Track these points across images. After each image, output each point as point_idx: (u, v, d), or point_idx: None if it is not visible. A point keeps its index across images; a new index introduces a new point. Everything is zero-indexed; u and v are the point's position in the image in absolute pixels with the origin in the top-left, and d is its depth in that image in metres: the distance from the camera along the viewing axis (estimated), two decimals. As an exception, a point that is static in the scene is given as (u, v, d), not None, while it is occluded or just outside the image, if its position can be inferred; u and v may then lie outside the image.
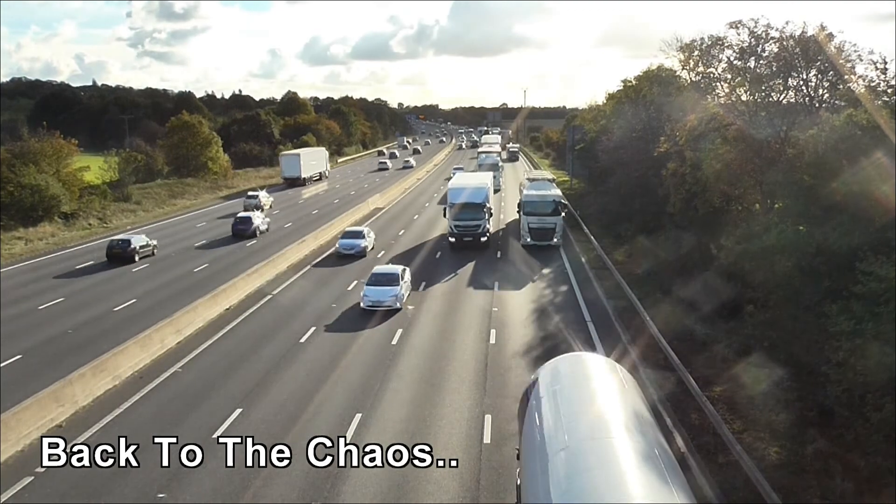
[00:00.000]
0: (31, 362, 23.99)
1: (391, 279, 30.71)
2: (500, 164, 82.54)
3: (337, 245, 42.48)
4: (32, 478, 16.19)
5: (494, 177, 64.31)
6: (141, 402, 20.82)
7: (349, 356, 24.88)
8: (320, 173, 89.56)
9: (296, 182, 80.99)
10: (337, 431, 18.39)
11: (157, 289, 34.44)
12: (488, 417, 19.57)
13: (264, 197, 63.67)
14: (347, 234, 43.53)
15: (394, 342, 26.38)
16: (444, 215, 44.86)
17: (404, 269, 32.06)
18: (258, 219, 50.98)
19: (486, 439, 18.39)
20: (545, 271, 38.70)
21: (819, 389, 18.89)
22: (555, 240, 43.69)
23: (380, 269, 32.47)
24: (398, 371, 23.43)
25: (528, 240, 43.81)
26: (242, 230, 48.87)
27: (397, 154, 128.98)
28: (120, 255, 40.12)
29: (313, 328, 27.83)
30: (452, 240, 43.56)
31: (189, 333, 26.92)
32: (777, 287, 22.81)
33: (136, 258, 40.57)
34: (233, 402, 20.66)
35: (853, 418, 17.01)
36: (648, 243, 38.84)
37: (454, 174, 69.60)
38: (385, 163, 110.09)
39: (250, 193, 65.08)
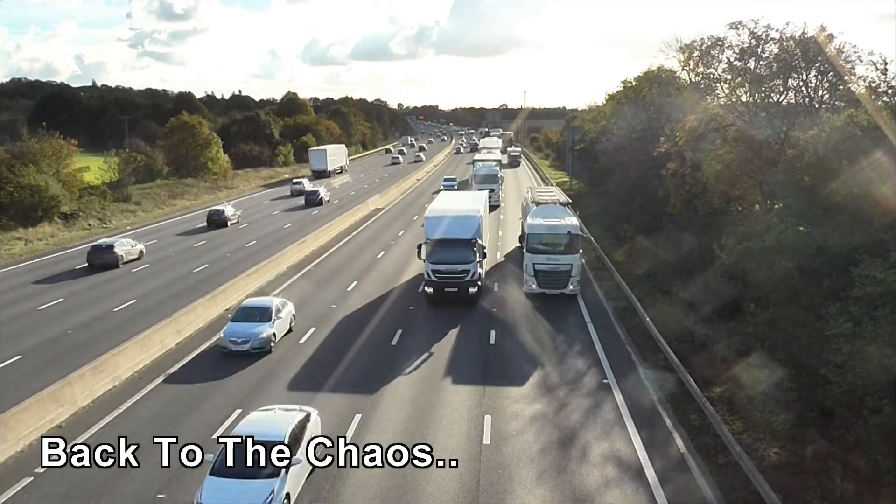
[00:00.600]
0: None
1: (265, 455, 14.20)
2: (500, 174, 67.59)
3: (222, 333, 25.36)
4: (32, 478, 16.20)
5: (493, 191, 57.61)
6: (140, 403, 20.81)
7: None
8: (341, 167, 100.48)
9: (322, 174, 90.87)
10: (337, 432, 18.38)
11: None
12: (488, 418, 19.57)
13: (307, 183, 75.68)
14: (243, 312, 25.89)
15: None
16: (419, 255, 31.45)
17: (305, 419, 16.25)
18: (323, 191, 68.29)
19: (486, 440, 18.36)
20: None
21: (819, 390, 18.89)
22: (570, 287, 31.60)
23: (251, 423, 15.79)
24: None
25: (534, 286, 31.68)
26: (312, 200, 66.00)
27: (405, 151, 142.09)
28: (217, 221, 53.78)
29: (313, 328, 27.82)
30: (430, 290, 30.80)
31: (189, 334, 26.89)
32: (777, 287, 22.81)
33: (228, 224, 54.00)
34: (233, 402, 20.64)
35: (853, 419, 17.02)
36: (648, 244, 38.83)
37: (443, 188, 65.83)
38: (398, 158, 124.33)
39: (295, 181, 78.51)
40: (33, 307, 31.34)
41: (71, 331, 27.70)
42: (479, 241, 31.54)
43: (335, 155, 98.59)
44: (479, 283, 31.31)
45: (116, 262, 38.99)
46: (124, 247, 40.54)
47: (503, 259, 40.34)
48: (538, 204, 35.91)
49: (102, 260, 38.72)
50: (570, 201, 38.52)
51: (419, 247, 31.41)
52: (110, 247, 39.55)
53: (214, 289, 31.27)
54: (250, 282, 33.84)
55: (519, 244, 39.22)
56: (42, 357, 24.65)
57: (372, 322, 28.78)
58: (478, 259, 31.02)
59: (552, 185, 62.70)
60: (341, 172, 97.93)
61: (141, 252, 41.69)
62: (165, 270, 38.91)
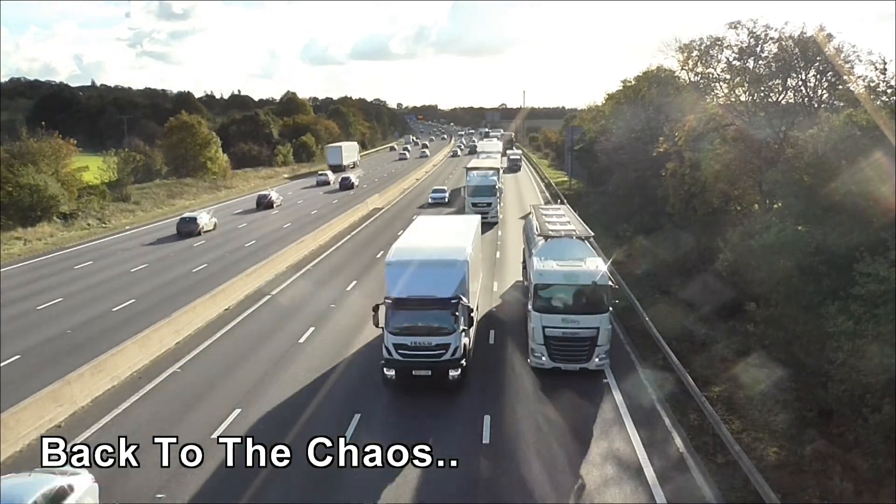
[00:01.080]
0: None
1: None
2: (499, 184, 56.27)
3: None
4: (31, 478, 16.12)
5: (490, 205, 52.30)
6: (139, 403, 20.79)
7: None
8: (354, 162, 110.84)
9: (338, 168, 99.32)
10: (336, 432, 18.39)
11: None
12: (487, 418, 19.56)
13: (331, 175, 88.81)
14: None
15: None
16: (376, 321, 21.21)
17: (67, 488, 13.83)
18: (354, 177, 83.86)
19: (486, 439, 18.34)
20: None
21: (819, 389, 18.91)
22: (596, 360, 22.50)
23: None
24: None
25: (543, 359, 22.71)
26: (346, 184, 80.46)
27: (409, 148, 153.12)
28: (264, 203, 64.77)
29: (312, 328, 27.81)
30: (391, 374, 21.23)
31: (188, 334, 26.88)
32: (777, 286, 22.83)
33: (274, 206, 64.47)
34: (232, 402, 20.64)
35: (853, 419, 17.03)
36: (647, 243, 38.85)
37: (430, 200, 64.42)
38: (404, 153, 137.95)
39: (321, 173, 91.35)
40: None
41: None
42: (464, 301, 21.18)
43: (349, 151, 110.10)
44: (465, 361, 21.26)
45: (198, 231, 50.04)
46: (203, 219, 51.51)
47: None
48: (548, 237, 26.22)
49: (188, 229, 49.98)
50: (593, 234, 28.67)
51: (375, 309, 20.94)
52: (193, 219, 50.97)
53: (212, 288, 31.31)
54: (249, 281, 33.78)
55: (523, 286, 30.82)
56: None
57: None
58: (461, 327, 20.94)
59: (563, 203, 45.65)
60: (353, 167, 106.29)
61: (215, 224, 52.73)
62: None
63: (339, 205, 64.70)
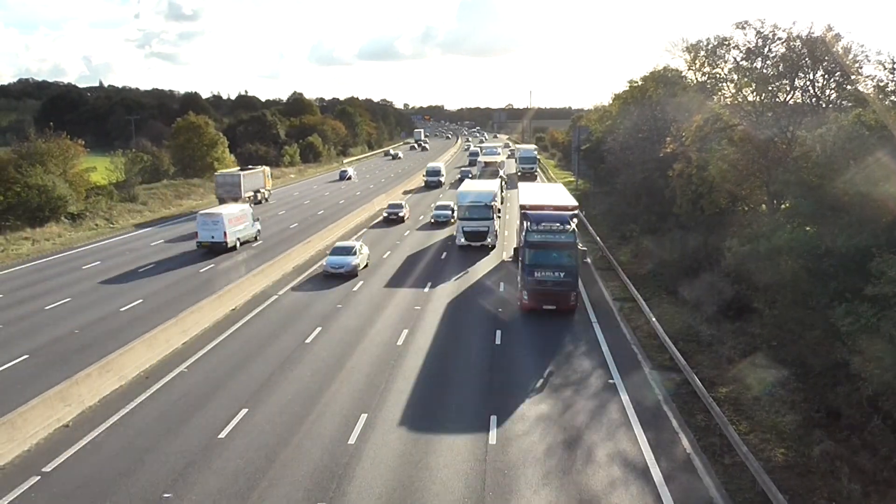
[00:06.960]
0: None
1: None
2: None
3: None
4: (39, 477, 16.24)
5: None
6: (147, 403, 20.85)
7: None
8: (426, 141, 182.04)
9: (419, 143, 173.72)
10: (342, 432, 18.43)
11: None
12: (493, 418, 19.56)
13: (402, 152, 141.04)
14: None
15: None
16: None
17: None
18: (426, 143, 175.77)
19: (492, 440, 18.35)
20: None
21: (826, 390, 18.82)
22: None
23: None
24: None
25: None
26: (424, 147, 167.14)
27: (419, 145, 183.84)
28: (344, 177, 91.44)
29: (319, 328, 27.85)
30: None
31: (195, 334, 26.95)
32: (784, 288, 22.73)
33: (351, 179, 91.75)
34: (238, 402, 20.67)
35: (862, 420, 16.94)
36: (654, 244, 38.73)
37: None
38: (425, 144, 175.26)
39: (390, 149, 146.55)
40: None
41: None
42: None
43: (424, 135, 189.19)
44: None
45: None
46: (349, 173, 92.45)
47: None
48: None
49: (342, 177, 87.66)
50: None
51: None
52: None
53: (220, 288, 31.38)
54: (256, 281, 33.89)
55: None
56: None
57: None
58: None
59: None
60: (426, 143, 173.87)
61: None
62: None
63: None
